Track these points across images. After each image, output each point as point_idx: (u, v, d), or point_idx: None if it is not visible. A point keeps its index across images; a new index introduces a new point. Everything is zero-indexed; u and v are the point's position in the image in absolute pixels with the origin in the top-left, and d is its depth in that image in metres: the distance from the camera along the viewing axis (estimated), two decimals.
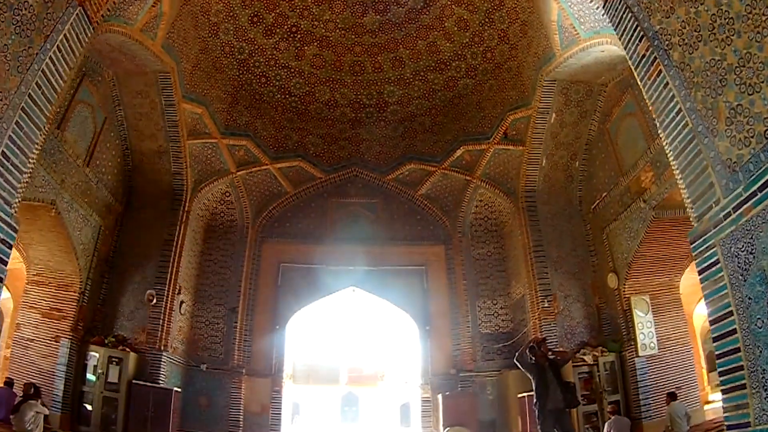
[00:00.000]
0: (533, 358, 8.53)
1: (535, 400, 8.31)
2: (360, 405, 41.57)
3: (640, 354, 10.76)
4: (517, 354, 8.84)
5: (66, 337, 11.14)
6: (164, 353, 12.13)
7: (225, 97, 13.63)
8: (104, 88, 11.49)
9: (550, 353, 8.75)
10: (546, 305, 12.44)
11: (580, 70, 11.02)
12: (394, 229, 15.12)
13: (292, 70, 14.08)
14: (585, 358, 11.48)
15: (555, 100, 11.97)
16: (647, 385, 10.62)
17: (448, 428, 12.43)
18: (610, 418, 10.10)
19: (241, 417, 13.10)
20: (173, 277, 12.80)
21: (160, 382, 11.86)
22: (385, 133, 15.30)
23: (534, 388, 8.35)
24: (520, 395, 12.00)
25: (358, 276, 14.52)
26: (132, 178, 13.29)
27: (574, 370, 11.02)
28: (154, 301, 12.37)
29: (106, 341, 11.62)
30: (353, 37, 13.68)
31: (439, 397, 13.08)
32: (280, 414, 13.43)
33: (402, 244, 14.97)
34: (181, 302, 13.26)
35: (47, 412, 9.64)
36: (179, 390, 12.16)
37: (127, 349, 11.62)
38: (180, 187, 13.52)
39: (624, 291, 11.22)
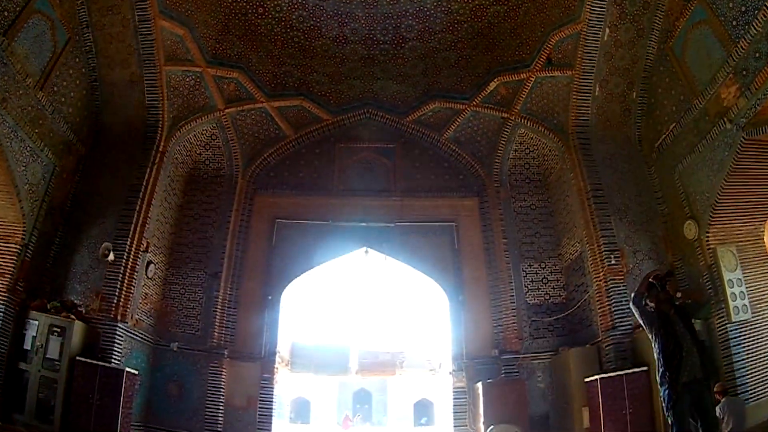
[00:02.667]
0: (651, 305, 5.13)
1: (660, 369, 4.96)
2: (373, 401, 37.99)
3: (732, 319, 7.77)
4: (633, 296, 5.38)
5: (1, 300, 8.18)
6: (120, 324, 8.85)
7: (213, 24, 10.47)
8: (69, 3, 8.84)
9: (678, 294, 5.35)
10: (613, 263, 9.04)
11: None
12: (415, 178, 11.67)
13: (294, 2, 10.87)
14: None
15: (608, 11, 9.14)
16: (742, 359, 7.65)
17: (492, 427, 8.87)
18: (719, 401, 6.85)
19: (222, 411, 9.65)
20: (138, 230, 9.49)
21: (114, 361, 8.56)
22: (402, 71, 11.95)
23: (657, 351, 5.05)
24: (587, 379, 8.60)
25: (371, 234, 11.05)
26: (100, 116, 10.17)
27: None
28: (110, 256, 9.03)
29: (49, 306, 8.48)
30: None
31: (479, 386, 9.49)
32: (271, 408, 9.93)
33: (426, 197, 11.50)
34: (149, 263, 9.91)
35: None
36: (135, 372, 8.74)
37: (73, 317, 8.43)
38: (154, 122, 10.37)
39: (707, 241, 8.23)
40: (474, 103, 11.31)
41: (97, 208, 9.60)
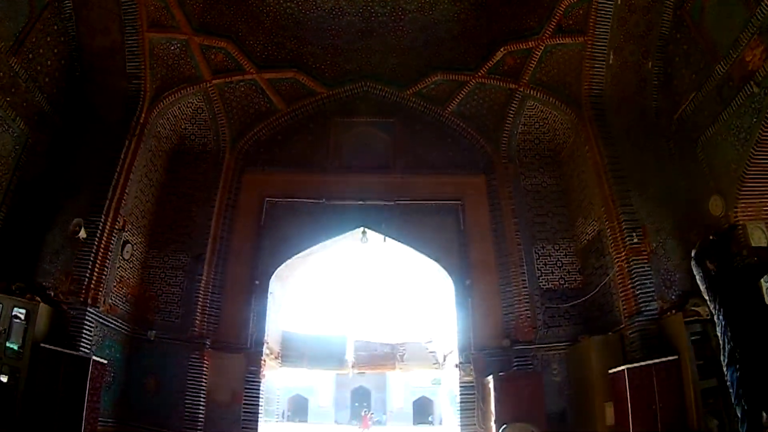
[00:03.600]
0: (712, 267, 4.08)
1: (726, 347, 3.93)
2: (372, 399, 36.80)
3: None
4: (695, 253, 4.30)
5: None
6: (91, 309, 7.80)
7: None
8: None
9: (744, 252, 4.37)
10: (635, 242, 8.01)
11: None
12: (417, 154, 10.57)
13: None
14: (698, 309, 7.17)
15: None
16: None
17: (505, 426, 7.75)
18: None
19: (203, 407, 8.54)
20: (114, 206, 8.43)
21: (83, 349, 7.50)
22: (402, 43, 10.90)
23: (722, 324, 4.01)
24: (612, 370, 7.49)
25: (369, 214, 9.94)
26: (79, 86, 9.12)
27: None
28: (81, 233, 7.97)
29: (13, 287, 7.47)
30: None
31: (489, 380, 8.37)
32: (257, 405, 8.77)
33: (429, 174, 10.38)
34: (125, 243, 8.81)
35: None
36: (104, 361, 7.61)
37: (38, 299, 7.41)
38: (135, 93, 9.35)
39: (735, 218, 7.16)
40: (479, 74, 10.27)
41: (72, 183, 8.58)
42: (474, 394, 8.83)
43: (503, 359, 8.88)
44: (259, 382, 8.87)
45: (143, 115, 9.36)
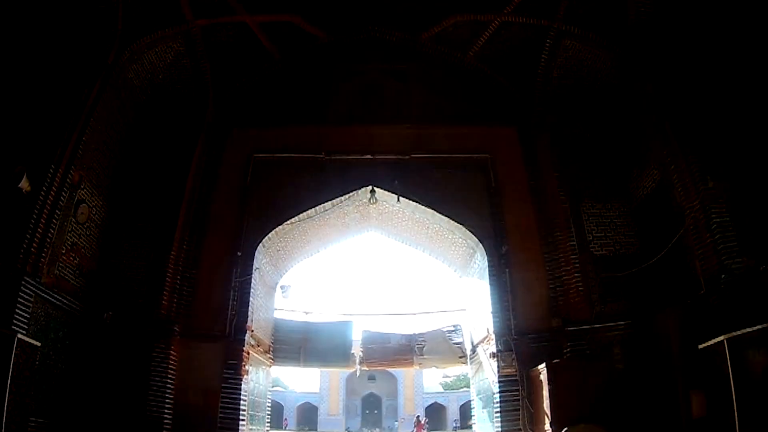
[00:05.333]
0: None
1: None
2: (383, 407, 34.32)
3: None
4: None
5: None
6: (30, 279, 5.82)
7: None
8: None
9: None
10: (710, 186, 6.05)
11: None
12: (435, 104, 8.53)
13: None
14: None
15: None
16: None
17: (566, 430, 5.55)
18: None
19: (169, 409, 6.40)
20: (68, 155, 6.49)
21: (18, 328, 5.51)
22: None
23: None
24: (703, 345, 5.42)
25: (379, 170, 7.87)
26: (38, 17, 7.14)
27: None
28: (23, 183, 6.03)
29: None
30: None
31: (541, 370, 6.16)
32: (237, 409, 6.58)
33: (449, 125, 8.32)
34: (80, 202, 6.80)
35: None
36: (36, 344, 5.52)
37: None
38: (106, 29, 7.39)
39: None
40: (504, 11, 8.24)
41: (20, 122, 6.57)
42: (517, 390, 6.62)
43: (553, 345, 6.71)
44: (240, 379, 6.69)
45: (112, 55, 7.43)
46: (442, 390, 38.66)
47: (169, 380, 6.49)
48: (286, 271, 9.18)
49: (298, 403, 34.85)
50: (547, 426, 5.85)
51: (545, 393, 5.97)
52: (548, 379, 5.93)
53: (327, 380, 33.74)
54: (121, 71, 7.68)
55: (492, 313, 7.12)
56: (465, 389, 37.45)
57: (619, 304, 6.95)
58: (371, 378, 34.12)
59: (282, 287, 8.84)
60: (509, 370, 6.68)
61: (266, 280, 8.39)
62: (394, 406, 34.15)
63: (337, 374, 33.06)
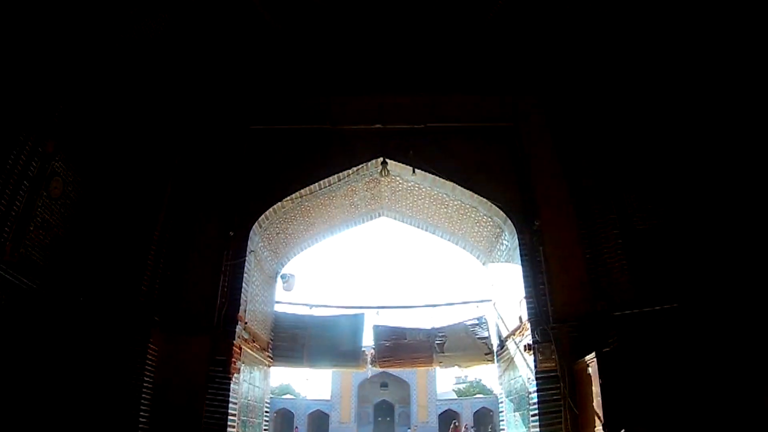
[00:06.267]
0: None
1: None
2: (396, 414, 32.97)
3: None
4: None
5: None
6: None
7: None
8: None
9: None
10: None
11: None
12: (452, 68, 7.44)
13: None
14: None
15: None
16: None
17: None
18: None
19: (146, 412, 5.36)
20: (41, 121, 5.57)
21: None
22: None
23: None
24: None
25: (391, 139, 6.82)
26: None
27: None
28: None
29: None
30: None
31: (589, 361, 5.05)
32: (225, 416, 5.47)
33: (469, 92, 7.24)
34: (54, 174, 5.85)
35: None
36: None
37: None
38: None
39: None
40: None
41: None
42: (558, 388, 5.48)
43: (597, 333, 5.55)
44: (229, 378, 5.64)
45: None
46: (456, 397, 37.11)
47: (146, 378, 5.45)
48: (288, 259, 8.15)
49: (309, 411, 33.52)
50: (599, 429, 4.70)
51: (596, 389, 4.83)
52: (599, 372, 4.79)
53: (338, 387, 32.43)
54: None
55: (525, 298, 6.00)
56: (479, 395, 35.82)
57: (668, 284, 5.80)
58: (383, 385, 32.78)
59: (283, 276, 7.81)
60: (548, 364, 5.54)
61: (264, 267, 7.35)
62: (407, 413, 32.69)
63: (349, 381, 31.77)
